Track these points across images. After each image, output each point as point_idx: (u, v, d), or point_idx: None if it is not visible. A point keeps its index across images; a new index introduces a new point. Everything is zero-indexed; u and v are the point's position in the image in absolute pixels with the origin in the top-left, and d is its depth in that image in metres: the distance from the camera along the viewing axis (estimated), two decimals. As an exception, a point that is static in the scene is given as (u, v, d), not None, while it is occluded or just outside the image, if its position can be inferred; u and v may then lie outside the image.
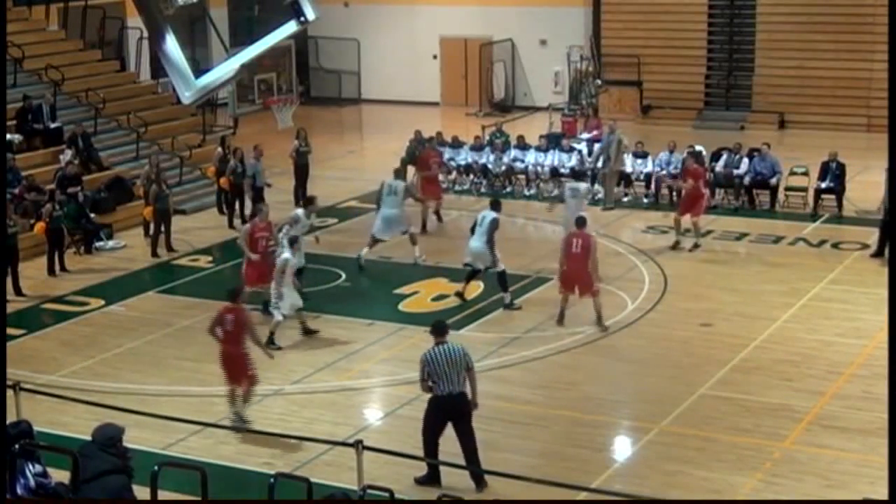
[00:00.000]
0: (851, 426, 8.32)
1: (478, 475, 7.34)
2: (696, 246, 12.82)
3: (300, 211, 11.11)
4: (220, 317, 8.38)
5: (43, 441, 6.18)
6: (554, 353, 9.85)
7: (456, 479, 7.28)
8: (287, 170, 15.62)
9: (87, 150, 14.83)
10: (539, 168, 15.66)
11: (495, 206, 11.15)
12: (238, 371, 8.32)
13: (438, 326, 7.66)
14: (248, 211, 14.21)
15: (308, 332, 10.23)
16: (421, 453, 7.58)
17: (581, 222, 10.42)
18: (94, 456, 5.29)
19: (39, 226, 12.31)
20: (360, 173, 17.33)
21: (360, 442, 6.84)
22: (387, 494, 6.07)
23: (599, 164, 14.80)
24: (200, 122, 17.14)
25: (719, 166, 14.78)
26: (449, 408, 7.40)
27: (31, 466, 5.59)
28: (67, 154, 14.32)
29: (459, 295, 11.05)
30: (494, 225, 10.79)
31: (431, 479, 7.42)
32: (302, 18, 11.91)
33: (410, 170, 16.27)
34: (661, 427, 8.39)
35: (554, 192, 15.48)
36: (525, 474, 7.00)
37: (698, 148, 14.76)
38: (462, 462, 7.34)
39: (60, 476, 5.74)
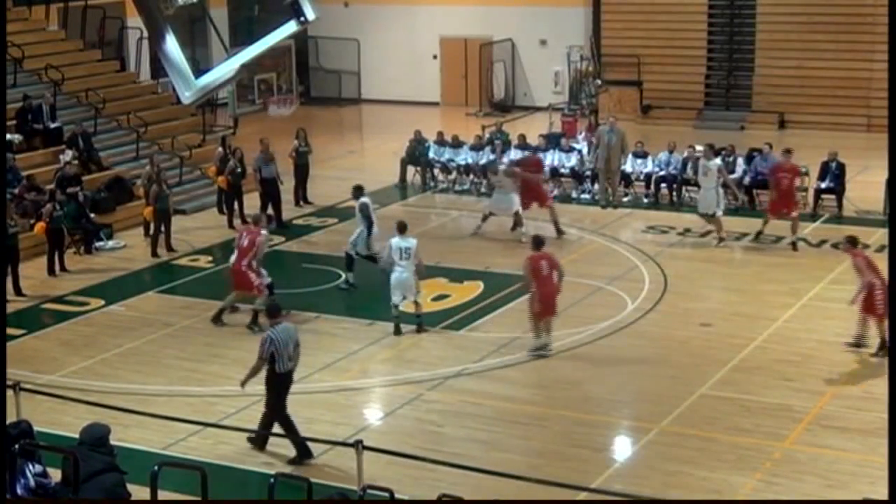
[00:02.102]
0: (851, 426, 8.32)
1: (304, 447, 7.71)
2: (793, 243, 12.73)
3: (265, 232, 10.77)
4: (536, 264, 9.41)
5: (43, 441, 6.17)
6: (554, 354, 9.84)
7: (456, 479, 7.28)
8: (287, 170, 15.63)
9: (87, 150, 14.82)
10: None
11: (358, 191, 11.64)
12: (552, 306, 9.48)
13: (273, 307, 8.13)
14: (247, 210, 14.26)
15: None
16: (422, 453, 7.59)
17: (855, 241, 10.06)
18: (85, 457, 5.31)
19: (39, 226, 12.28)
20: (360, 173, 17.29)
21: (359, 442, 6.86)
22: (386, 494, 6.06)
23: (602, 164, 14.75)
24: (200, 122, 17.15)
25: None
26: (288, 383, 7.86)
27: (31, 467, 5.58)
28: (67, 154, 14.32)
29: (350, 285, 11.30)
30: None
31: (305, 454, 7.75)
32: (302, 18, 11.90)
33: (410, 170, 16.38)
34: (661, 427, 8.39)
35: (554, 191, 15.49)
36: (525, 474, 7.01)
37: (699, 148, 14.79)
38: (457, 461, 7.33)
39: (60, 476, 5.73)
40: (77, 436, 5.63)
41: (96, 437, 5.41)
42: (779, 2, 19.88)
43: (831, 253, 12.70)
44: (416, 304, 10.42)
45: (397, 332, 10.29)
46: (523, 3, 21.59)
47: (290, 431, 7.83)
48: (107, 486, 5.26)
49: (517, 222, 13.25)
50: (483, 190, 15.53)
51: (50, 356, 10.02)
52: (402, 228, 10.50)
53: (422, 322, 10.41)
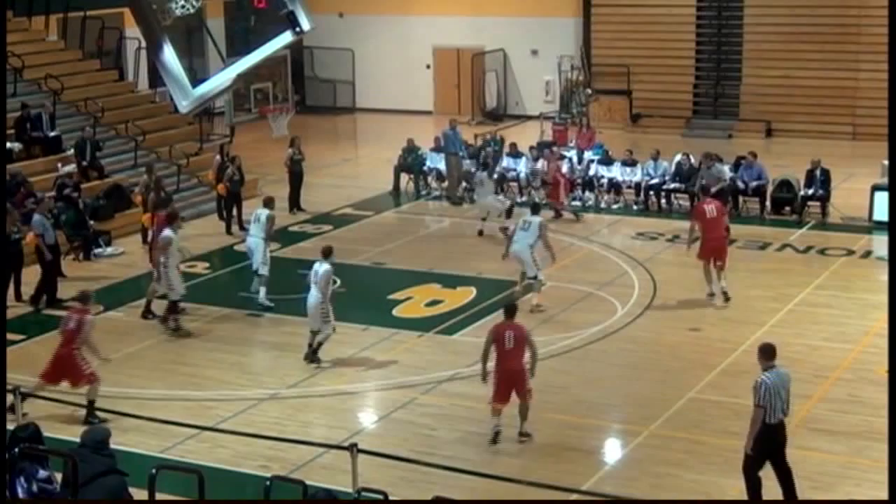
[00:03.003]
0: (837, 429, 8.45)
1: None
2: None
3: (169, 232, 10.68)
4: (501, 334, 8.05)
5: (43, 445, 6.26)
6: (546, 358, 9.93)
7: (450, 481, 7.40)
8: (282, 177, 15.80)
9: (91, 158, 14.88)
10: (531, 176, 15.85)
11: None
12: (522, 384, 8.06)
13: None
14: (245, 216, 14.48)
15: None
16: (416, 456, 7.73)
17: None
18: (87, 459, 5.38)
19: (31, 237, 12.14)
20: (354, 181, 17.49)
21: (354, 445, 6.98)
22: (381, 497, 6.19)
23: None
24: (197, 130, 17.28)
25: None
26: None
27: (37, 472, 5.65)
28: (68, 167, 14.45)
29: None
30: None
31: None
32: (297, 29, 12.11)
33: (403, 178, 16.56)
34: (650, 430, 8.51)
35: (545, 199, 15.67)
36: (517, 476, 7.14)
37: (679, 157, 14.95)
38: (451, 464, 7.47)
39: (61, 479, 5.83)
40: (76, 439, 5.72)
41: (98, 441, 5.50)
42: (765, 13, 20.14)
43: (818, 259, 12.91)
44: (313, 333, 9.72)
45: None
46: (515, 13, 21.83)
47: None
48: (110, 488, 5.36)
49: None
50: (475, 198, 15.72)
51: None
52: (325, 252, 9.86)
53: (314, 360, 9.69)
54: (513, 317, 8.25)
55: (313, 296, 9.68)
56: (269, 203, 11.60)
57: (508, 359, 8.05)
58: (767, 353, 7.13)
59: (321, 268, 9.70)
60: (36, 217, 11.68)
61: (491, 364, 8.13)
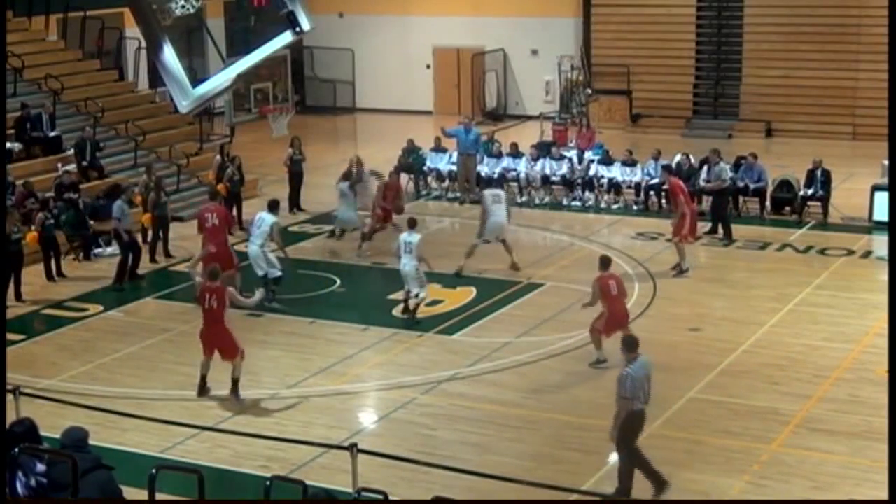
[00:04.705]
0: (837, 429, 8.46)
1: None
2: None
3: (271, 217, 11.25)
4: (605, 283, 9.45)
5: (39, 440, 6.27)
6: (545, 358, 9.99)
7: (449, 481, 7.41)
8: (282, 177, 15.81)
9: (91, 157, 14.90)
10: (530, 176, 15.86)
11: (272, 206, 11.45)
12: (622, 324, 9.35)
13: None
14: (245, 217, 14.51)
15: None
16: (415, 456, 7.72)
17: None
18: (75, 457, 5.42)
19: (32, 236, 12.17)
20: (354, 181, 17.46)
21: (354, 445, 6.94)
22: (381, 497, 6.19)
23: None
24: (197, 130, 17.29)
25: (702, 178, 14.82)
26: None
27: (34, 465, 5.66)
28: (69, 166, 14.46)
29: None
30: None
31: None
32: (297, 29, 12.13)
33: (403, 177, 16.54)
34: (650, 430, 8.44)
35: (545, 199, 15.70)
36: (517, 477, 7.14)
37: (677, 158, 14.92)
38: (450, 464, 7.48)
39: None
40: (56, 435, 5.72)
41: (78, 440, 5.49)
42: (765, 13, 20.15)
43: (818, 259, 12.92)
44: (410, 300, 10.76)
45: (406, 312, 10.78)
46: (515, 13, 21.84)
47: None
48: (101, 483, 5.36)
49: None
50: (475, 198, 15.70)
51: (49, 361, 10.12)
52: (411, 224, 11.02)
53: (412, 320, 10.68)
54: (608, 268, 9.64)
55: (409, 264, 10.68)
56: (273, 208, 11.48)
57: (617, 302, 9.52)
58: (631, 344, 7.47)
59: (413, 238, 10.73)
60: (118, 203, 12.30)
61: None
